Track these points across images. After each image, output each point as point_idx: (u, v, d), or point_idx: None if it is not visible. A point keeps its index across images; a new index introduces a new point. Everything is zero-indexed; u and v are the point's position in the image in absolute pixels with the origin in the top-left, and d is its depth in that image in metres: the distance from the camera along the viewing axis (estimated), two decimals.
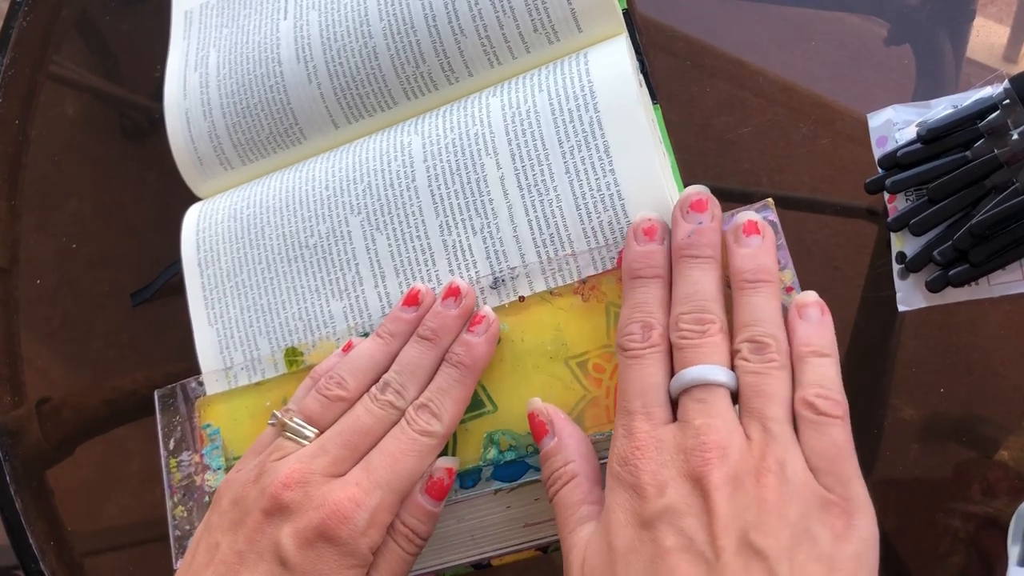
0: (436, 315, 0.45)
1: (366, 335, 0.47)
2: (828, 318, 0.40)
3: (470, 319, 0.45)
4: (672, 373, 0.40)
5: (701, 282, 0.40)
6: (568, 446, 0.42)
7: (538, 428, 0.43)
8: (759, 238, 0.41)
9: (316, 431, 0.44)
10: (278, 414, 0.45)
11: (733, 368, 0.39)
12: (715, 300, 0.40)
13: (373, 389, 0.44)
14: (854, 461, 0.37)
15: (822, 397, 0.37)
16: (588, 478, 0.41)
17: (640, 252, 0.42)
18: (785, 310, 0.40)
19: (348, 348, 0.47)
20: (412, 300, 0.46)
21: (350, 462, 0.43)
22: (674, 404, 0.39)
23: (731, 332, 0.40)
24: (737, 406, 0.39)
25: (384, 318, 0.47)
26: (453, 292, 0.45)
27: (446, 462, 0.44)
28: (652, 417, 0.38)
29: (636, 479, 0.37)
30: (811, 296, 0.41)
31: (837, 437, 0.37)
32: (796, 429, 0.37)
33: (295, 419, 0.44)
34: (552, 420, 0.42)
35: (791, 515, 0.35)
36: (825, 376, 0.38)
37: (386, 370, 0.45)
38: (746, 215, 0.42)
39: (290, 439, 0.44)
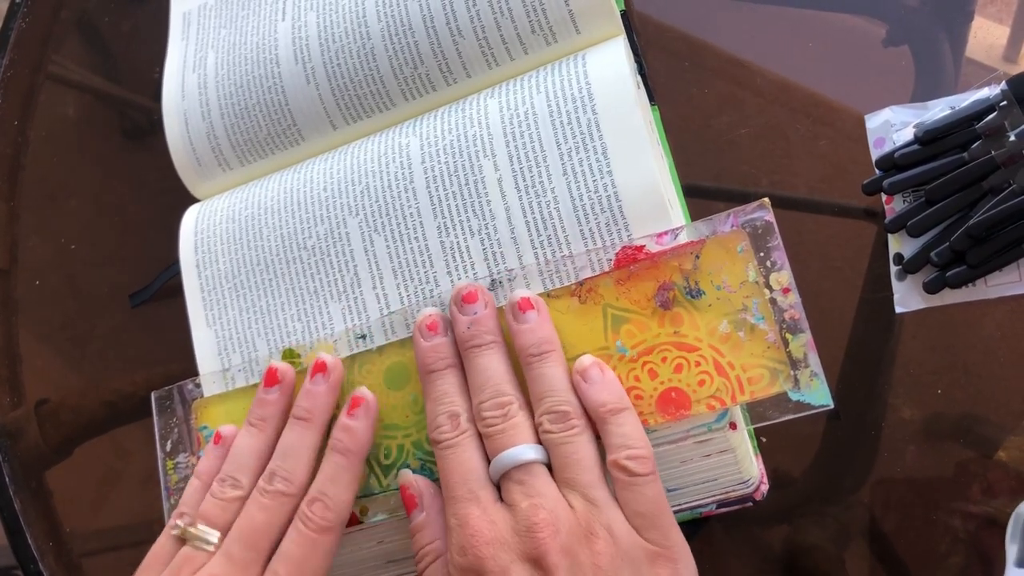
0: (308, 394, 0.46)
1: (363, 337, 0.48)
2: (610, 374, 0.42)
3: (349, 401, 0.45)
4: (487, 456, 0.42)
5: (491, 368, 0.42)
6: (436, 522, 0.43)
7: (408, 501, 0.44)
8: (534, 312, 0.43)
9: (220, 535, 0.44)
10: (180, 524, 0.45)
11: (541, 440, 0.41)
12: (508, 381, 0.42)
13: (261, 482, 0.44)
14: (669, 510, 0.40)
15: (632, 458, 0.40)
16: None
17: (428, 347, 0.44)
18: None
19: (218, 439, 0.47)
20: (272, 380, 0.47)
21: (259, 564, 0.43)
22: (497, 487, 0.41)
23: (529, 404, 0.42)
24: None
25: (251, 403, 0.47)
26: (320, 368, 0.46)
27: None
28: (480, 500, 0.40)
29: (480, 566, 0.38)
30: (587, 359, 0.43)
31: (652, 493, 0.39)
32: (613, 487, 0.40)
33: (199, 526, 0.44)
34: (423, 494, 0.44)
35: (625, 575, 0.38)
36: (629, 435, 0.40)
37: (271, 454, 0.46)
38: (519, 293, 0.44)
39: (197, 547, 0.44)
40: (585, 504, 0.39)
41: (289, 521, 0.44)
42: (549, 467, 0.41)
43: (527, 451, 0.40)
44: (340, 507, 0.43)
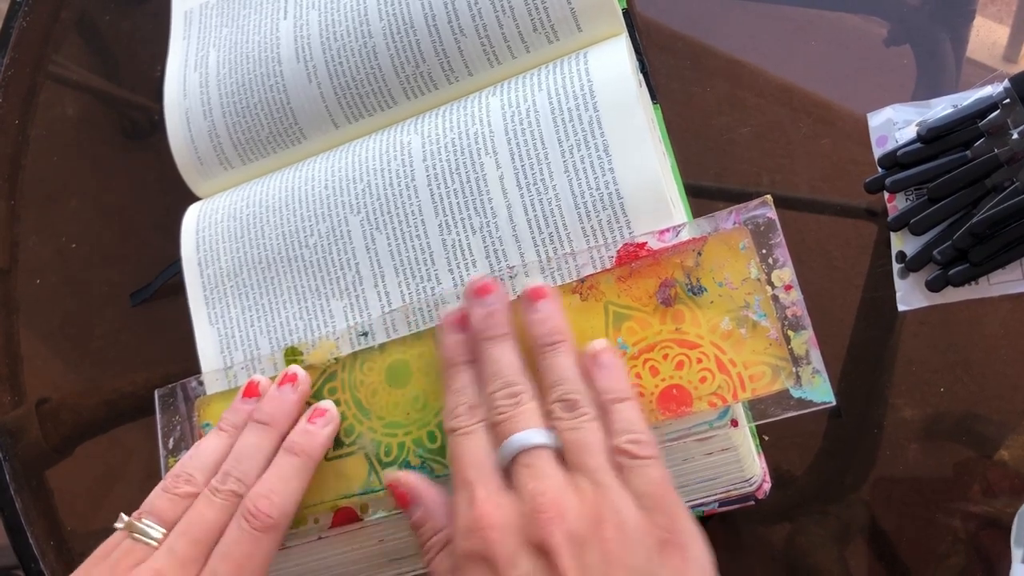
0: (272, 399, 0.46)
1: (365, 335, 0.48)
2: (619, 360, 0.42)
3: (311, 410, 0.46)
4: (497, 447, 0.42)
5: (503, 359, 0.43)
6: (436, 513, 0.43)
7: (400, 498, 0.44)
8: (547, 301, 0.43)
9: (164, 531, 0.43)
10: (126, 517, 0.44)
11: (551, 428, 0.41)
12: (519, 371, 0.42)
13: (214, 481, 0.44)
14: (675, 493, 0.39)
15: (633, 442, 0.39)
16: None
17: (453, 342, 0.44)
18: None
19: None
20: (251, 392, 0.47)
21: (199, 561, 0.42)
22: (507, 475, 0.41)
23: (541, 393, 0.42)
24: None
25: (225, 411, 0.47)
26: (290, 378, 0.47)
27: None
28: (489, 484, 0.40)
29: (487, 549, 0.38)
30: (600, 343, 0.43)
31: (656, 475, 0.39)
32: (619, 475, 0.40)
33: (144, 520, 0.43)
34: (414, 487, 0.44)
35: (635, 562, 0.37)
36: (631, 420, 0.40)
37: None
38: (531, 284, 0.44)
39: (137, 539, 0.43)
40: (593, 487, 0.38)
41: None
42: (560, 457, 0.40)
43: (535, 435, 0.40)
44: (285, 507, 0.43)
